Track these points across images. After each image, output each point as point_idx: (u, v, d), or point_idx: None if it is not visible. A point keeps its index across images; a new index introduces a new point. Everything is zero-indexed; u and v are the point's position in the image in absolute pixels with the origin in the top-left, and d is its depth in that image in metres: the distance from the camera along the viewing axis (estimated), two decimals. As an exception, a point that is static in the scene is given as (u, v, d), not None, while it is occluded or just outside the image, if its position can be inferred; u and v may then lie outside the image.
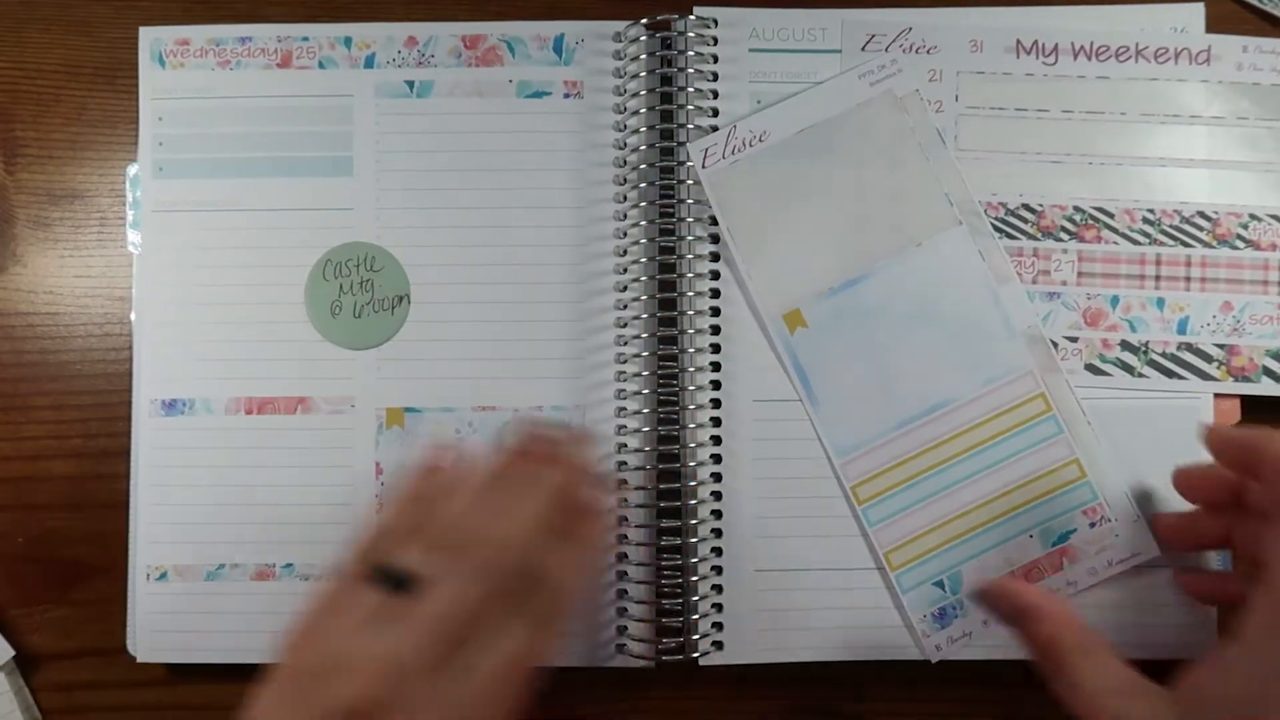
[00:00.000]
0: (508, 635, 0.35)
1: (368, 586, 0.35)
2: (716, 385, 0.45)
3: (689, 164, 0.45)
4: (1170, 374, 0.45)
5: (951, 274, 0.45)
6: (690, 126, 0.45)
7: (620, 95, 0.46)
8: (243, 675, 0.45)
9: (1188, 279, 0.45)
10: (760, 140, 0.45)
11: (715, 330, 0.45)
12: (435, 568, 0.35)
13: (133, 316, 0.47)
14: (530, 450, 0.40)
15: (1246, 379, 0.45)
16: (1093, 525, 0.44)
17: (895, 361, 0.45)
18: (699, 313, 0.45)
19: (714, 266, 0.45)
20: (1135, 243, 0.45)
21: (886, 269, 0.45)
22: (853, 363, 0.45)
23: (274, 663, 0.35)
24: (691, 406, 0.45)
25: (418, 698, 0.33)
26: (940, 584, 0.44)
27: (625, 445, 0.45)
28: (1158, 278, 0.45)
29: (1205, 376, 0.45)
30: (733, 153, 0.45)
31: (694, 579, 0.44)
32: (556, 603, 0.37)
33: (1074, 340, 0.45)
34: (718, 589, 0.44)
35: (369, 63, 0.47)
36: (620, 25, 0.46)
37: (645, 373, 0.45)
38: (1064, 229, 0.45)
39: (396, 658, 0.33)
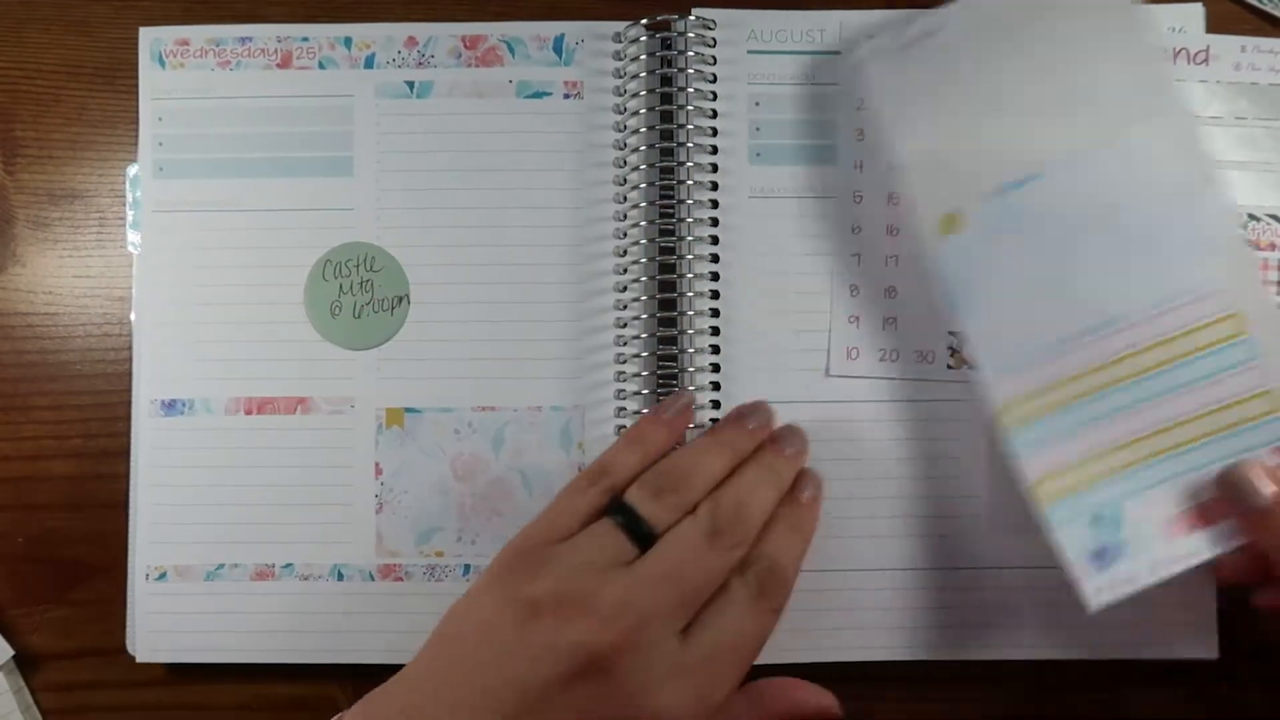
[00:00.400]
0: (740, 609, 0.36)
1: (609, 524, 0.37)
2: (716, 386, 0.45)
3: (690, 164, 0.45)
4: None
5: (1144, 175, 0.40)
6: (690, 127, 0.45)
7: (620, 96, 0.46)
8: (243, 675, 0.46)
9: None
10: (932, 36, 0.42)
11: (715, 331, 0.45)
12: (680, 527, 0.37)
13: (132, 316, 0.47)
14: (757, 427, 0.41)
15: (1246, 379, 0.44)
16: None
17: (1063, 271, 0.40)
18: (699, 313, 0.45)
19: (714, 268, 0.45)
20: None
21: (1064, 169, 0.41)
22: (1013, 271, 0.41)
23: (500, 567, 0.37)
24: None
25: (655, 650, 0.34)
26: (1099, 521, 0.40)
27: (625, 445, 0.45)
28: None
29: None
30: (904, 46, 0.43)
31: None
32: (781, 589, 0.38)
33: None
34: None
35: (369, 63, 0.47)
36: (620, 26, 0.46)
37: (645, 373, 0.45)
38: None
39: (639, 604, 0.35)
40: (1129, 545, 0.40)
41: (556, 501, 0.39)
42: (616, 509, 0.38)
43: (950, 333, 0.45)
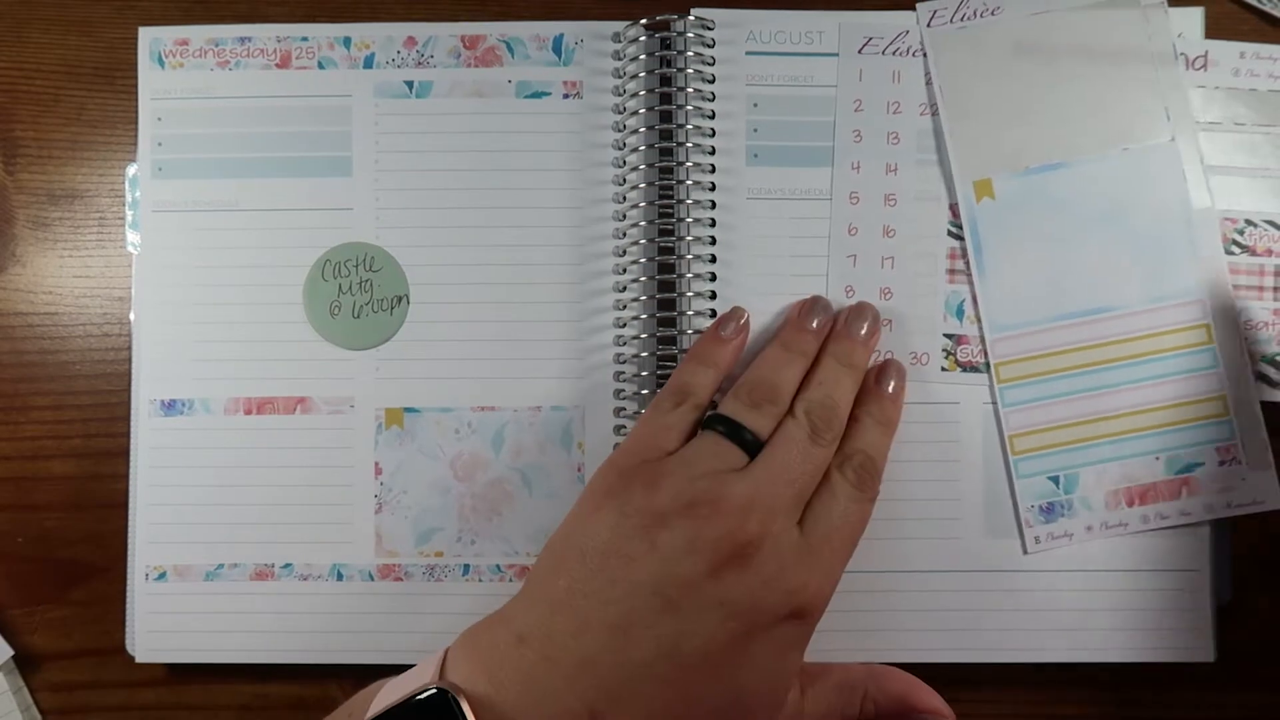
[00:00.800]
0: (844, 498, 0.39)
1: (715, 435, 0.40)
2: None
3: (689, 164, 0.45)
4: (1167, 376, 0.45)
5: (1150, 185, 0.45)
6: (689, 127, 0.45)
7: (619, 96, 0.46)
8: (242, 675, 0.46)
9: (1185, 283, 0.45)
10: (992, 14, 0.46)
11: (714, 331, 0.45)
12: (785, 430, 0.40)
13: (132, 316, 0.47)
14: (821, 324, 0.44)
15: (1243, 383, 0.45)
16: (1222, 464, 0.44)
17: (1071, 255, 0.45)
18: (699, 313, 0.45)
19: (713, 269, 0.45)
20: (1134, 245, 0.46)
21: (1086, 164, 0.45)
22: (1029, 245, 0.45)
23: (604, 490, 0.38)
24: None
25: (782, 539, 0.37)
26: (1055, 480, 0.45)
27: (624, 446, 0.45)
28: (1155, 281, 0.46)
29: (1202, 379, 0.45)
30: (962, 19, 0.46)
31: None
32: (875, 479, 0.41)
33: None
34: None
35: (368, 63, 0.47)
36: (619, 26, 0.46)
37: (645, 373, 0.45)
38: (1062, 231, 0.46)
39: (765, 500, 0.37)
40: (1075, 506, 0.45)
41: (644, 424, 0.41)
42: (718, 421, 0.40)
43: (945, 335, 0.46)
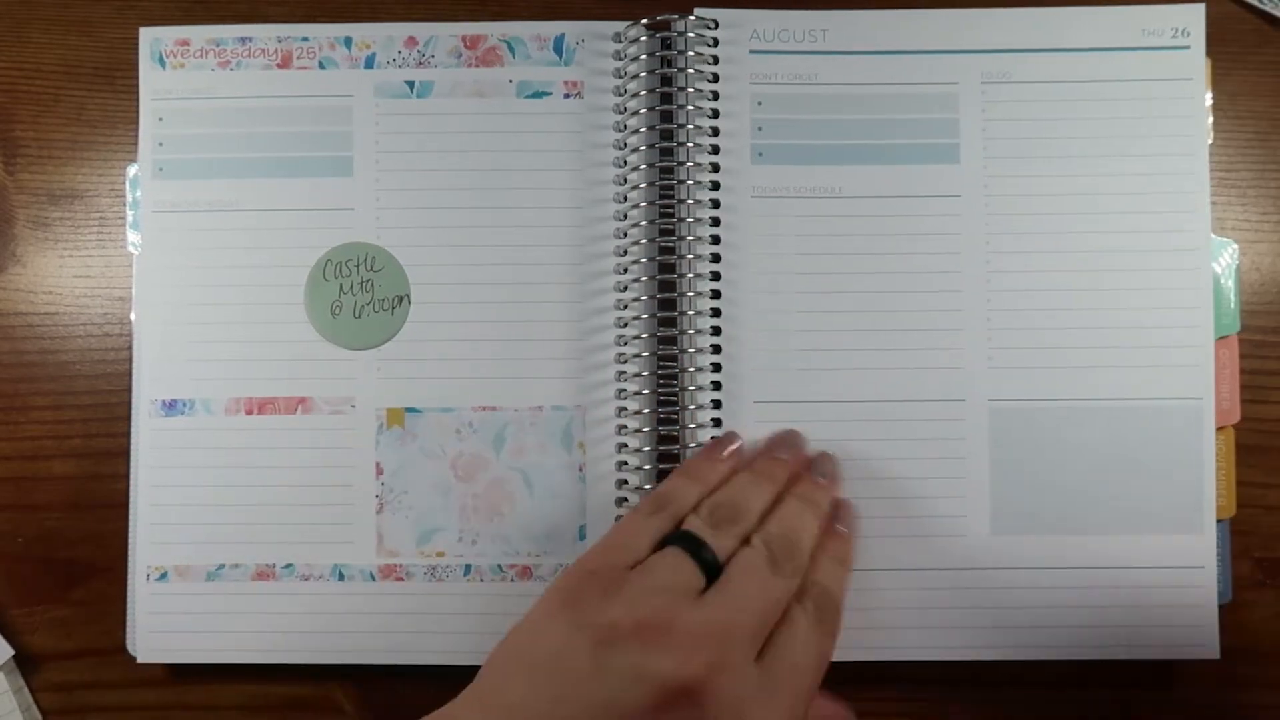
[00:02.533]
0: (805, 633, 0.37)
1: (679, 551, 0.38)
2: (717, 386, 0.45)
3: (690, 164, 0.45)
4: None
5: None
6: (690, 127, 0.45)
7: (620, 95, 0.46)
8: (243, 675, 0.46)
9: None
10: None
11: (716, 331, 0.45)
12: (744, 557, 0.38)
13: (133, 316, 0.47)
14: (790, 457, 0.43)
15: None
16: None
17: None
18: (699, 313, 0.45)
19: (715, 268, 0.45)
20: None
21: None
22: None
23: (565, 591, 0.37)
24: (692, 407, 0.45)
25: (739, 676, 0.35)
26: None
27: (625, 445, 0.45)
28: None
29: None
30: None
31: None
32: (836, 614, 0.39)
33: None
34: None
35: (369, 63, 0.47)
36: (620, 25, 0.46)
37: (645, 373, 0.45)
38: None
39: (720, 632, 0.35)
40: None
41: (620, 527, 0.40)
42: (682, 537, 0.38)
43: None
